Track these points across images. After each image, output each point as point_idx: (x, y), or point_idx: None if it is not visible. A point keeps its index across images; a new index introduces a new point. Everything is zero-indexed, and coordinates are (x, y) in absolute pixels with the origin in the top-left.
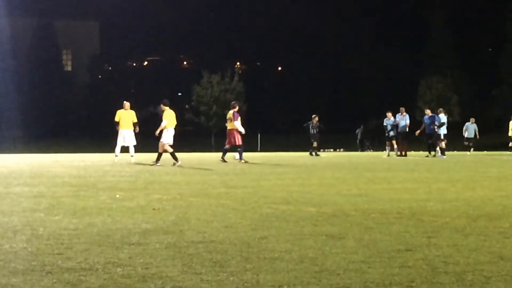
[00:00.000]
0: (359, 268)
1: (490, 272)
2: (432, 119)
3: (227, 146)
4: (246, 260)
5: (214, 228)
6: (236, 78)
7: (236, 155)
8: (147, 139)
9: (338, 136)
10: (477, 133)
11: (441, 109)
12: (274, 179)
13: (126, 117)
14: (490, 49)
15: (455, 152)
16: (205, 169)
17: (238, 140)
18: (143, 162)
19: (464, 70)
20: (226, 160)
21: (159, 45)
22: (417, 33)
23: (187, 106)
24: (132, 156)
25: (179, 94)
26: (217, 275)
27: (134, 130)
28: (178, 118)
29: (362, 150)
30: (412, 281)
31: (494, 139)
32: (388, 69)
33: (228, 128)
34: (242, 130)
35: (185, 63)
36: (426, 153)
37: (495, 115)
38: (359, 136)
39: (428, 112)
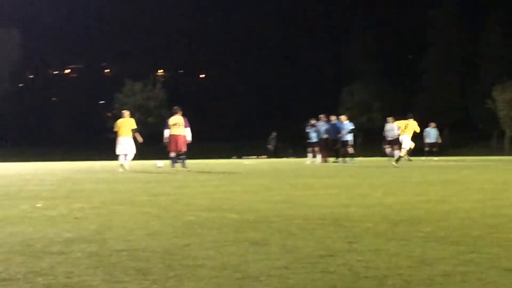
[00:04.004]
0: (282, 274)
1: (411, 276)
2: (335, 126)
3: (173, 154)
4: (169, 267)
5: (137, 236)
6: (158, 86)
7: (159, 162)
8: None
9: (260, 143)
10: (438, 137)
11: (344, 116)
12: (197, 186)
13: (125, 125)
14: (411, 56)
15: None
16: (128, 177)
17: (185, 146)
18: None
19: (386, 77)
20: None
21: (81, 53)
22: (339, 40)
23: (109, 114)
24: (127, 163)
25: (101, 102)
26: (140, 283)
27: (134, 138)
28: (100, 126)
29: (277, 157)
30: (334, 286)
31: (416, 145)
32: (310, 75)
33: (176, 134)
34: (190, 137)
35: (107, 70)
36: (340, 158)
37: (415, 120)
38: (272, 143)
39: (333, 118)
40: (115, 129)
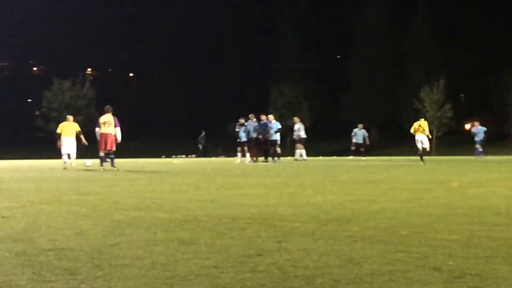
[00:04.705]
0: (211, 273)
1: (339, 275)
2: (265, 125)
3: (102, 153)
4: (97, 267)
5: (65, 235)
6: (87, 84)
7: (88, 161)
8: None
9: (189, 142)
10: (366, 139)
11: (271, 115)
12: (126, 185)
13: (67, 128)
14: (339, 56)
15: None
16: (56, 176)
17: (114, 145)
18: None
19: (314, 76)
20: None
21: (8, 51)
22: (268, 40)
23: (37, 113)
24: (71, 161)
25: (29, 100)
26: (67, 283)
27: (78, 140)
28: (28, 124)
29: (205, 156)
30: (263, 285)
31: (343, 144)
32: (240, 74)
33: (106, 132)
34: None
35: (35, 69)
36: (270, 158)
37: (344, 120)
38: (202, 143)
39: (263, 118)
40: (58, 131)
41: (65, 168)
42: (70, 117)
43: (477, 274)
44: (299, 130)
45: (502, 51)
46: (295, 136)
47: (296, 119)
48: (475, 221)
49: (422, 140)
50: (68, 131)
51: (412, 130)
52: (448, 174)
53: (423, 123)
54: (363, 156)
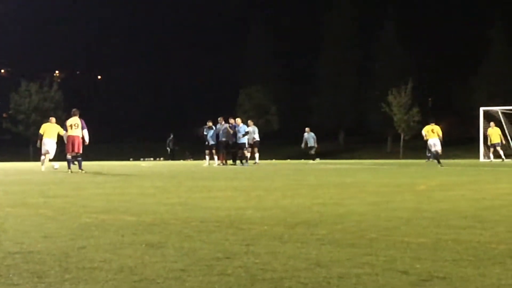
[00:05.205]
0: (179, 277)
1: (307, 278)
2: (233, 128)
3: (70, 156)
4: (65, 270)
5: (32, 238)
6: (55, 87)
7: (55, 164)
8: None
9: (157, 144)
10: (314, 141)
11: (239, 119)
12: (94, 188)
13: (49, 130)
14: (308, 59)
15: (274, 161)
16: (23, 179)
17: (80, 148)
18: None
19: (283, 80)
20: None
21: None
22: (237, 43)
23: (4, 115)
24: (48, 160)
25: None
26: (35, 286)
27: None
28: None
29: (173, 159)
30: None
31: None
32: (208, 77)
33: (73, 135)
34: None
35: (2, 71)
36: (238, 161)
37: (312, 124)
38: (170, 145)
39: (231, 121)
40: (41, 132)
41: (43, 166)
42: (53, 119)
43: (444, 277)
44: (254, 132)
45: (468, 56)
46: (249, 140)
47: (249, 122)
48: (442, 224)
49: (435, 143)
50: (50, 133)
51: (424, 134)
52: (415, 178)
53: (435, 128)
54: (313, 159)
